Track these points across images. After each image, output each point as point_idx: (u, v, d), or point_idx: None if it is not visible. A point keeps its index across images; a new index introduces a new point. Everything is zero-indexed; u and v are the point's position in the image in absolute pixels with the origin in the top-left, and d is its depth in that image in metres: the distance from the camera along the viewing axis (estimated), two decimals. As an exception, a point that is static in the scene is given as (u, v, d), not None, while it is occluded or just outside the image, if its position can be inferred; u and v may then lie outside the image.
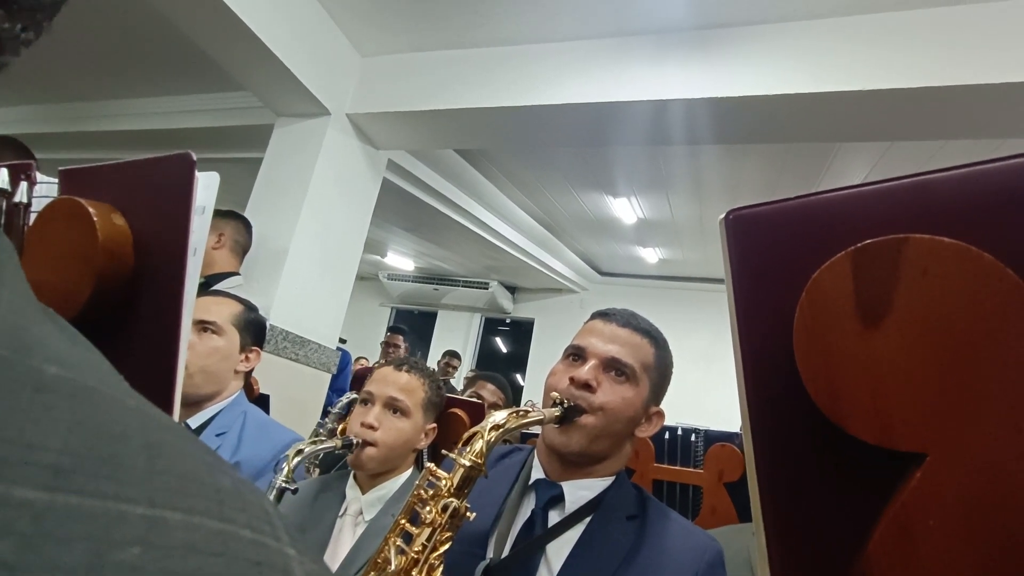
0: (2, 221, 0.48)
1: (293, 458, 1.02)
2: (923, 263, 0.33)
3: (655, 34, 2.25)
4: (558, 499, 0.87)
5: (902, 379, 0.33)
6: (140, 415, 0.17)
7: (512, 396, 2.48)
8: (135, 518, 0.14)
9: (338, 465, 1.50)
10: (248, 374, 1.42)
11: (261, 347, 1.43)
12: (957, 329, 0.32)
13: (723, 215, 0.43)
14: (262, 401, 1.70)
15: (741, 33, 2.12)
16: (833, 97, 1.97)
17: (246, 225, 2.22)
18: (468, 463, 0.70)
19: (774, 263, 0.41)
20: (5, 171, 0.47)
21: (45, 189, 0.50)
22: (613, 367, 0.88)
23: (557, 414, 0.83)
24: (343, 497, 1.15)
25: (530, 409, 0.80)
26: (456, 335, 7.07)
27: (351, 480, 1.17)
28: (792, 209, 0.41)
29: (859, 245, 0.35)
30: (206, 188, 0.45)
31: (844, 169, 3.26)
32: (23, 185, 0.47)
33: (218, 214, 2.05)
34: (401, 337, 4.31)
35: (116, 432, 0.16)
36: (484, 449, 0.71)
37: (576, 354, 0.91)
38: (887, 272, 0.34)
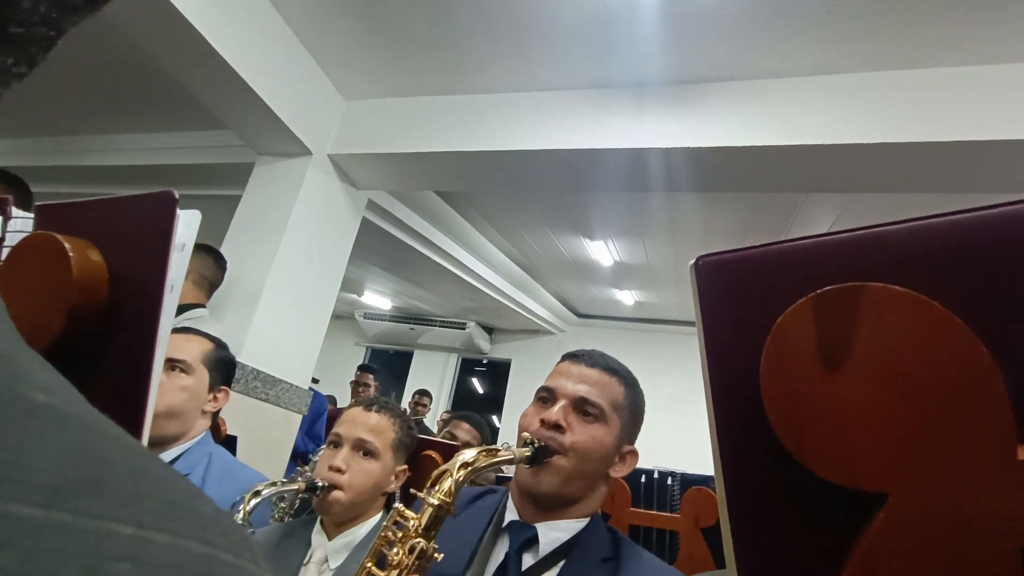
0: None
1: (250, 499, 0.98)
2: (879, 310, 0.35)
3: (632, 87, 2.35)
4: (532, 541, 0.86)
5: (862, 420, 0.34)
6: (123, 443, 0.18)
7: (489, 435, 2.45)
8: (124, 537, 0.15)
9: (308, 510, 1.45)
10: (215, 414, 1.38)
11: (230, 386, 1.39)
12: (911, 372, 0.34)
13: (693, 261, 0.45)
14: (229, 443, 1.65)
15: (714, 88, 2.24)
16: (798, 150, 2.08)
17: (216, 259, 2.20)
18: (436, 502, 0.69)
19: (742, 308, 0.42)
20: (-20, 205, 0.47)
21: (20, 224, 0.49)
22: (583, 407, 0.89)
23: (527, 454, 0.83)
24: (308, 544, 1.11)
25: (501, 448, 0.80)
26: (432, 375, 6.97)
27: (317, 526, 1.13)
28: (758, 256, 0.43)
29: (819, 292, 0.37)
30: (187, 225, 0.45)
31: (811, 218, 3.39)
32: (-2, 219, 0.47)
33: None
34: (371, 376, 4.23)
35: (103, 457, 0.16)
36: (453, 488, 0.71)
37: (546, 396, 0.92)
38: (846, 318, 0.36)
